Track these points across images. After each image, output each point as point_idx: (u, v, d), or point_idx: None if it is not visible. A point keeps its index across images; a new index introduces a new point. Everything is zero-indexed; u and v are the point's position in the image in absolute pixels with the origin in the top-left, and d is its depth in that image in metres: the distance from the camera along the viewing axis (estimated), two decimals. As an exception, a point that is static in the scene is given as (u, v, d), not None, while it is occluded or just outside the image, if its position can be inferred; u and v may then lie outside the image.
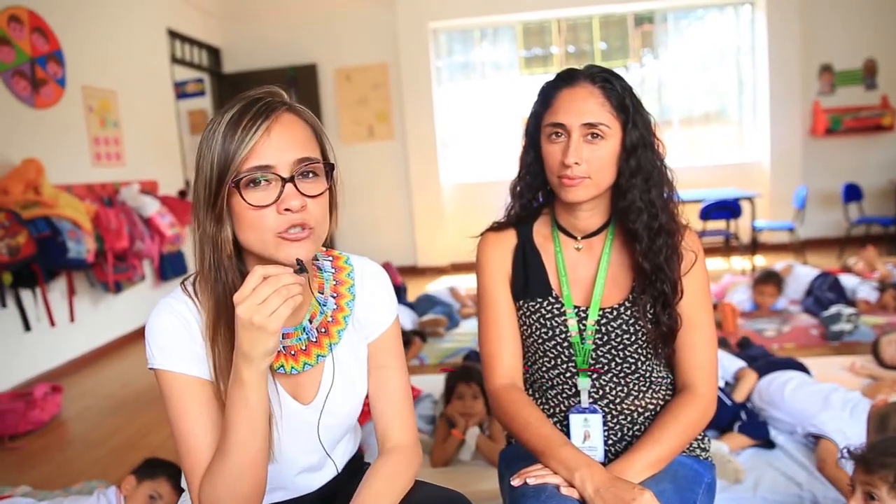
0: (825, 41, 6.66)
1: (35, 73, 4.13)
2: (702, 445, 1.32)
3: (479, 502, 1.21)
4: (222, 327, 0.96)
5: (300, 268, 0.92)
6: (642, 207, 1.25)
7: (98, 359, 4.53)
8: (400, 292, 4.94)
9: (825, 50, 6.69)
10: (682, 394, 1.28)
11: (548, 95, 1.28)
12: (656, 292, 1.26)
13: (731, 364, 2.76)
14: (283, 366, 1.04)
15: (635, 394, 1.29)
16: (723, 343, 3.23)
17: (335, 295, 1.11)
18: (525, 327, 1.33)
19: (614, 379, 1.29)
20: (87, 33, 4.71)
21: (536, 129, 1.31)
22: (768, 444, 2.33)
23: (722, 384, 2.62)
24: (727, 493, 2.04)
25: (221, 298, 0.96)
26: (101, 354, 4.59)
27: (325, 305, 1.09)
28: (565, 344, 1.29)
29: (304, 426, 1.07)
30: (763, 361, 2.79)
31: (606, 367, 1.29)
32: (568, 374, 1.30)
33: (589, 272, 1.32)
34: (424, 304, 4.65)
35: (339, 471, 1.16)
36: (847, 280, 4.39)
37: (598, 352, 1.28)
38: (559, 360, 1.30)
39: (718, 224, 5.84)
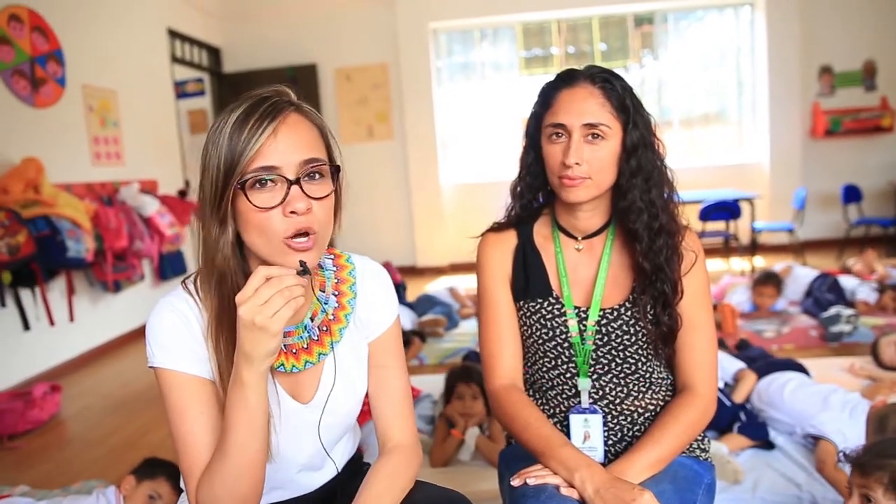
0: (825, 42, 6.67)
1: (35, 73, 4.13)
2: (702, 446, 1.33)
3: (478, 502, 1.21)
4: (225, 328, 0.96)
5: (303, 269, 0.91)
6: (643, 207, 1.25)
7: (97, 358, 4.53)
8: (399, 290, 4.95)
9: (825, 51, 6.70)
10: (682, 394, 1.28)
11: (548, 96, 1.28)
12: (656, 292, 1.26)
13: (730, 365, 2.76)
14: (283, 364, 1.04)
15: (635, 394, 1.29)
16: (722, 344, 3.23)
17: (336, 293, 1.11)
18: (525, 328, 1.33)
19: (614, 380, 1.29)
20: (87, 33, 4.71)
21: (537, 130, 1.31)
22: (767, 445, 2.33)
23: (721, 385, 2.62)
24: (726, 494, 2.04)
25: (224, 299, 0.96)
26: (100, 354, 4.59)
27: (326, 304, 1.09)
28: (565, 344, 1.29)
29: (303, 425, 1.06)
30: (762, 362, 2.79)
31: (607, 368, 1.29)
32: (568, 375, 1.30)
33: (589, 273, 1.32)
34: (424, 305, 4.65)
35: (339, 470, 1.16)
36: (846, 281, 4.40)
37: (599, 352, 1.28)
38: (559, 361, 1.30)
39: (718, 225, 5.85)
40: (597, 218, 1.32)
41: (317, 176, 0.95)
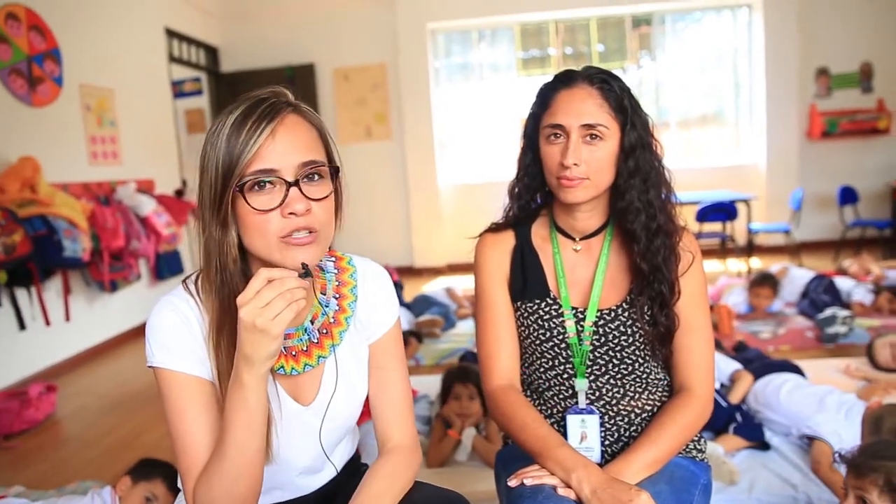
0: (822, 44, 6.69)
1: (32, 72, 4.12)
2: (698, 447, 1.33)
3: (475, 503, 1.21)
4: (225, 329, 0.96)
5: (305, 272, 0.91)
6: (640, 208, 1.25)
7: (93, 358, 4.52)
8: (396, 290, 4.94)
9: (822, 53, 6.72)
10: (679, 395, 1.28)
11: (546, 97, 1.28)
12: (654, 293, 1.26)
13: (726, 366, 2.77)
14: (283, 366, 1.04)
15: (631, 394, 1.29)
16: (718, 345, 3.24)
17: (337, 296, 1.11)
18: (523, 328, 1.33)
19: (611, 380, 1.29)
20: (85, 31, 4.70)
21: (535, 131, 1.31)
22: (763, 446, 2.34)
23: (717, 386, 2.62)
24: (722, 495, 2.04)
25: (225, 301, 0.95)
26: (96, 354, 4.58)
27: (327, 306, 1.08)
28: (563, 345, 1.29)
29: (303, 427, 1.06)
30: (758, 364, 2.79)
31: (604, 369, 1.29)
32: (565, 376, 1.30)
33: (587, 273, 1.32)
34: (421, 305, 4.65)
35: (338, 471, 1.16)
36: (842, 283, 4.41)
37: (596, 353, 1.28)
38: (557, 362, 1.30)
39: (715, 226, 5.86)
40: (595, 219, 1.32)
41: (315, 177, 0.94)
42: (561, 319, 1.30)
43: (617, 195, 1.28)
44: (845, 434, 2.15)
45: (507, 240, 1.37)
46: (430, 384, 3.03)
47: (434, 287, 5.60)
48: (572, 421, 1.28)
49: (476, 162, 7.21)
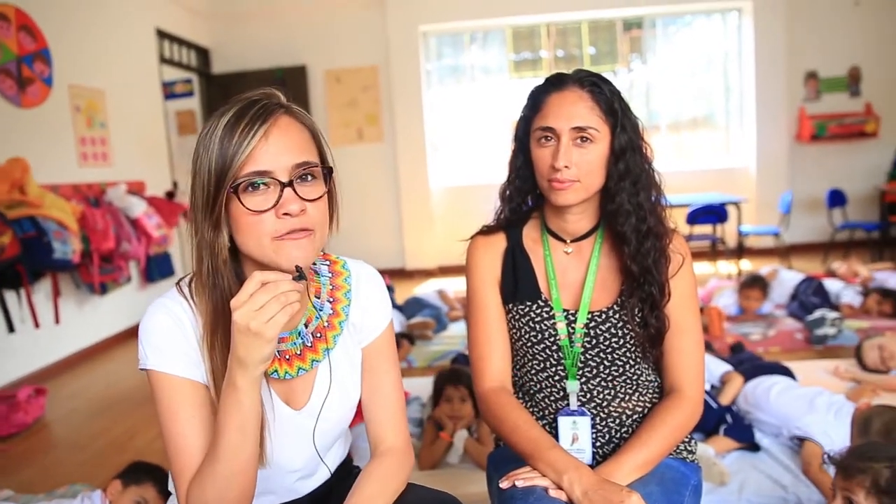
0: (811, 49, 6.74)
1: (21, 72, 4.10)
2: (688, 448, 1.34)
3: (467, 505, 1.21)
4: (219, 333, 0.96)
5: (299, 275, 0.91)
6: (630, 210, 1.26)
7: (83, 361, 4.49)
8: (388, 291, 4.93)
9: (811, 57, 6.77)
10: (669, 396, 1.29)
11: (537, 100, 1.29)
12: (644, 295, 1.27)
13: (717, 367, 2.78)
14: (276, 370, 1.04)
15: (622, 396, 1.30)
16: (708, 347, 3.26)
17: (331, 300, 1.11)
18: (514, 331, 1.34)
19: (602, 382, 1.30)
20: (75, 32, 4.68)
21: (526, 134, 1.31)
22: (753, 447, 2.35)
23: (708, 387, 2.64)
24: (713, 496, 2.05)
25: (219, 304, 0.95)
26: (86, 356, 4.55)
27: (321, 310, 1.08)
28: (554, 347, 1.30)
29: (296, 431, 1.06)
30: (749, 365, 2.81)
31: (595, 371, 1.29)
32: (556, 378, 1.31)
33: (578, 275, 1.33)
34: (413, 307, 4.65)
35: (331, 474, 1.16)
36: (831, 285, 4.44)
37: (587, 355, 1.29)
38: (548, 364, 1.31)
39: (705, 228, 5.89)
40: (585, 221, 1.33)
41: (309, 178, 0.94)
42: (552, 321, 1.30)
43: (607, 198, 1.28)
44: (835, 435, 2.17)
45: (499, 242, 1.38)
46: (422, 386, 3.03)
47: (426, 289, 5.60)
48: (564, 423, 1.29)
49: (468, 164, 7.21)
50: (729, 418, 2.40)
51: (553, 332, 1.30)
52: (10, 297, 3.82)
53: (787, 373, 2.70)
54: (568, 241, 1.34)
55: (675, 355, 1.30)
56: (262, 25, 6.94)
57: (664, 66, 7.07)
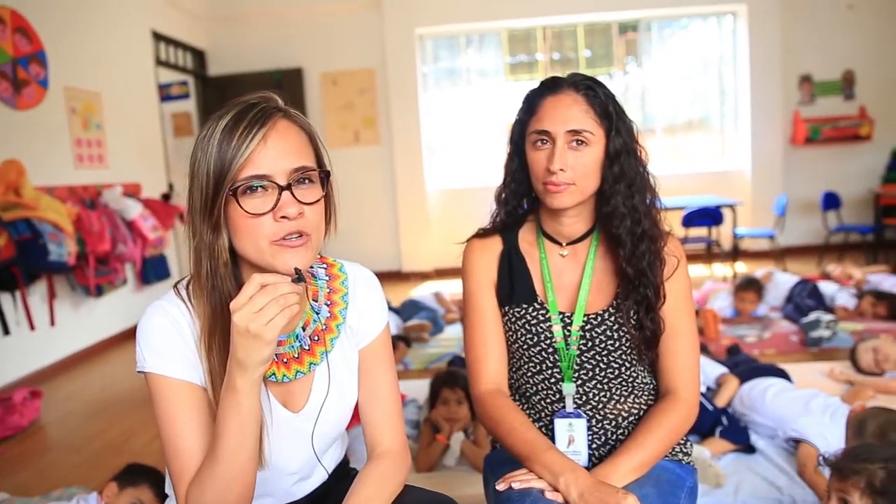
0: (805, 52, 6.78)
1: (17, 74, 4.09)
2: (684, 450, 1.34)
3: (463, 507, 1.22)
4: (217, 335, 0.96)
5: (298, 277, 0.91)
6: (625, 213, 1.27)
7: (78, 363, 4.48)
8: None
9: (805, 61, 6.81)
10: (665, 399, 1.29)
11: (532, 103, 1.29)
12: (639, 297, 1.27)
13: (712, 370, 2.79)
14: (274, 374, 1.04)
15: (617, 398, 1.31)
16: (704, 349, 3.27)
17: (329, 303, 1.11)
18: (510, 333, 1.34)
19: (598, 385, 1.30)
20: (71, 34, 4.67)
21: (521, 137, 1.32)
22: (749, 449, 2.36)
23: (704, 390, 2.65)
24: (708, 498, 2.06)
25: (217, 306, 0.96)
26: (81, 359, 4.54)
27: (318, 313, 1.09)
28: (550, 350, 1.30)
29: (293, 434, 1.06)
30: (745, 367, 2.82)
31: (591, 374, 1.30)
32: (553, 380, 1.31)
33: (574, 278, 1.33)
34: (409, 310, 4.65)
35: (327, 477, 1.17)
36: (826, 287, 4.46)
37: (583, 357, 1.30)
38: (544, 366, 1.31)
39: (700, 231, 5.91)
40: (581, 224, 1.34)
41: (307, 181, 0.95)
42: (548, 324, 1.31)
43: (602, 200, 1.29)
44: (831, 436, 2.18)
45: (495, 245, 1.38)
46: (419, 388, 3.03)
47: (422, 291, 5.60)
48: (560, 425, 1.29)
49: (464, 166, 7.22)
50: (725, 420, 2.41)
51: (549, 335, 1.30)
52: (5, 299, 3.82)
53: (782, 375, 2.71)
54: (563, 243, 1.35)
55: (671, 358, 1.30)
56: (259, 28, 6.94)
57: (660, 69, 7.09)
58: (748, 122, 6.78)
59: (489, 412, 1.29)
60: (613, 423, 1.31)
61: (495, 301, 1.35)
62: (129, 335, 5.03)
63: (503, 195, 1.40)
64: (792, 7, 6.66)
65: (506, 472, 1.20)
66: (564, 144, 1.23)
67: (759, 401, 2.49)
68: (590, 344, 1.29)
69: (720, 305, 4.37)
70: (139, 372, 0.99)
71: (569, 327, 1.30)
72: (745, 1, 6.60)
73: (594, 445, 1.30)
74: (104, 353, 4.72)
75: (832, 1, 6.68)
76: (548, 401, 1.33)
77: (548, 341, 1.30)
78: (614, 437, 1.30)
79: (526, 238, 1.38)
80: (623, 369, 1.31)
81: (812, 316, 3.80)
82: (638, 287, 1.27)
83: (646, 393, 1.34)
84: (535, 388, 1.34)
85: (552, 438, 1.29)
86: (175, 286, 1.03)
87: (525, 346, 1.32)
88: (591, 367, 1.30)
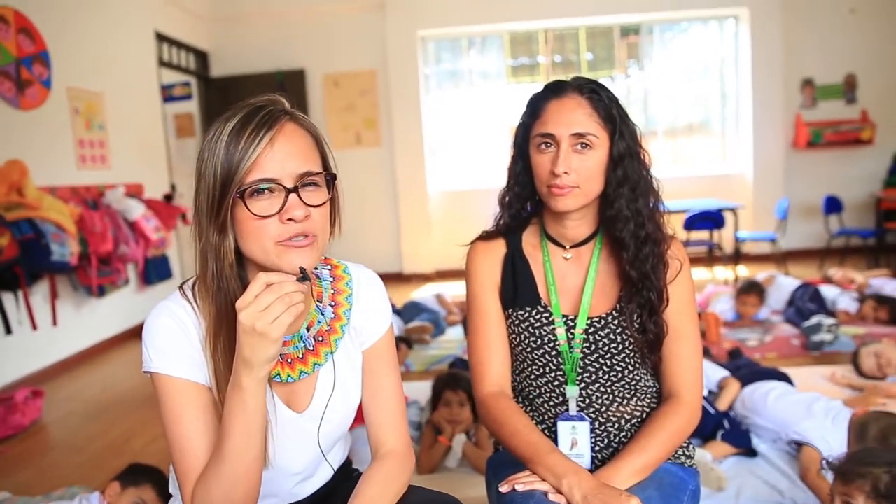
0: (807, 56, 6.78)
1: (20, 74, 4.10)
2: (686, 453, 1.34)
3: (466, 509, 1.22)
4: (223, 335, 0.96)
5: (303, 276, 0.92)
6: (629, 216, 1.27)
7: (80, 363, 4.48)
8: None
9: (807, 64, 6.81)
10: (667, 402, 1.29)
11: (536, 106, 1.30)
12: (643, 300, 1.27)
13: (714, 373, 2.79)
14: (278, 374, 1.05)
15: (620, 400, 1.31)
16: (706, 352, 3.27)
17: (333, 304, 1.12)
18: (514, 336, 1.34)
19: (601, 388, 1.31)
20: (74, 34, 4.68)
21: (525, 140, 1.32)
22: (750, 453, 2.36)
23: (705, 393, 2.65)
24: (710, 501, 2.06)
25: (223, 307, 0.96)
26: (83, 358, 4.54)
27: (323, 314, 1.09)
28: (553, 353, 1.30)
29: (297, 434, 1.07)
30: (746, 371, 2.82)
31: (594, 377, 1.30)
32: (556, 383, 1.32)
33: (577, 281, 1.34)
34: (411, 311, 4.65)
35: (330, 477, 1.17)
36: (827, 291, 4.46)
37: (586, 360, 1.30)
38: (547, 369, 1.32)
39: (702, 234, 5.91)
40: (584, 227, 1.34)
41: (313, 184, 0.96)
42: (552, 327, 1.31)
43: (606, 203, 1.29)
44: (833, 440, 2.18)
45: (499, 248, 1.38)
46: (420, 390, 3.03)
47: (424, 293, 5.61)
48: (563, 428, 1.30)
49: (465, 169, 7.23)
50: (726, 424, 2.41)
51: (552, 338, 1.31)
52: (7, 298, 3.82)
53: (784, 379, 2.71)
54: (567, 246, 1.35)
55: (674, 361, 1.31)
56: (261, 29, 6.95)
57: (661, 72, 7.10)
58: (750, 125, 6.78)
59: (492, 414, 1.29)
60: (616, 425, 1.31)
61: (499, 304, 1.36)
62: (131, 335, 5.04)
63: (507, 198, 1.40)
64: (794, 11, 6.67)
65: (509, 475, 1.21)
66: (569, 147, 1.23)
67: (760, 404, 2.49)
68: (593, 347, 1.30)
69: (722, 309, 4.37)
70: (145, 372, 1.00)
71: (572, 330, 1.30)
72: (747, 4, 6.61)
73: (597, 448, 1.31)
74: (106, 354, 4.72)
75: (834, 5, 6.69)
76: (551, 403, 1.33)
77: (551, 344, 1.30)
78: (617, 440, 1.31)
79: (529, 241, 1.39)
80: (626, 372, 1.31)
81: (814, 320, 3.80)
82: (641, 290, 1.27)
83: (648, 396, 1.34)
84: (538, 391, 1.34)
85: (555, 441, 1.29)
86: (181, 287, 1.03)
87: (528, 349, 1.32)
88: (594, 370, 1.30)
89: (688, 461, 1.33)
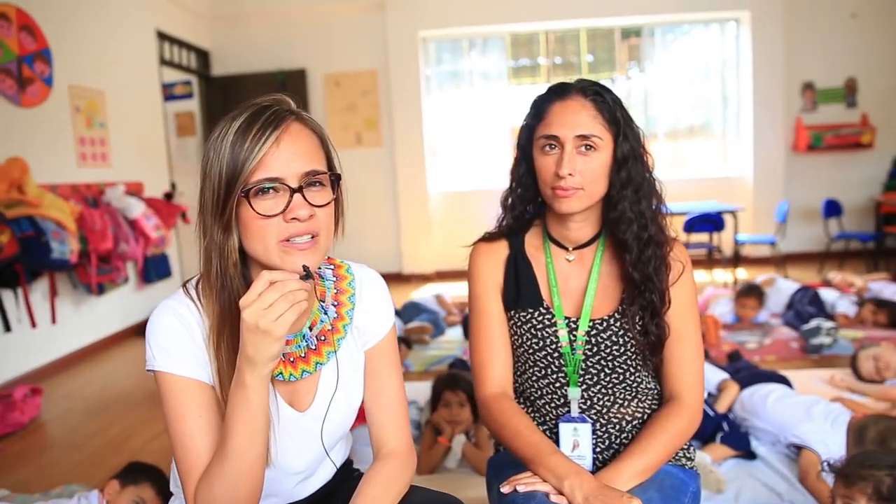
0: (808, 59, 6.79)
1: (22, 72, 4.10)
2: (687, 455, 1.35)
3: (467, 509, 1.22)
4: (226, 333, 0.97)
5: (306, 274, 0.92)
6: (632, 218, 1.27)
7: (79, 361, 4.48)
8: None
9: (807, 68, 6.82)
10: (669, 404, 1.30)
11: (540, 108, 1.30)
12: (645, 302, 1.28)
13: (713, 375, 2.79)
14: (281, 372, 1.05)
15: (621, 402, 1.31)
16: (705, 355, 3.27)
17: (336, 303, 1.12)
18: (516, 337, 1.35)
19: (603, 389, 1.31)
20: (76, 32, 4.68)
21: (529, 142, 1.32)
22: (750, 455, 2.36)
23: (705, 395, 2.65)
24: (709, 503, 2.06)
25: (226, 305, 0.96)
26: (82, 356, 4.54)
27: (326, 314, 1.10)
28: (556, 354, 1.30)
29: (299, 433, 1.07)
30: (746, 373, 2.83)
31: (596, 378, 1.30)
32: (558, 384, 1.32)
33: (580, 283, 1.34)
34: (410, 312, 4.66)
35: (331, 477, 1.17)
36: (827, 294, 4.47)
37: (588, 362, 1.30)
38: (549, 371, 1.32)
39: (702, 237, 5.92)
40: (587, 229, 1.34)
41: (318, 184, 0.96)
42: (554, 329, 1.31)
43: (609, 205, 1.30)
44: (832, 443, 2.18)
45: (501, 249, 1.39)
46: (420, 391, 3.03)
47: (423, 294, 5.61)
48: (565, 429, 1.30)
49: (466, 169, 7.23)
50: (725, 426, 2.41)
51: (555, 340, 1.31)
52: (7, 296, 3.82)
53: (783, 381, 2.72)
54: (570, 248, 1.35)
55: (675, 363, 1.31)
56: (262, 28, 6.95)
57: (662, 74, 7.11)
58: (750, 128, 6.79)
59: (494, 415, 1.29)
60: (617, 427, 1.31)
61: (501, 305, 1.36)
62: (130, 333, 5.04)
63: (510, 200, 1.40)
64: (795, 14, 6.68)
65: (510, 475, 1.21)
66: (573, 149, 1.24)
67: (760, 406, 2.50)
68: (595, 349, 1.30)
69: (721, 311, 4.37)
70: (149, 370, 1.00)
71: (574, 332, 1.31)
72: (749, 8, 6.62)
73: (598, 449, 1.31)
74: (105, 351, 4.72)
75: (835, 9, 6.70)
76: (552, 405, 1.33)
77: (553, 346, 1.31)
78: (618, 442, 1.31)
79: (532, 243, 1.39)
80: (628, 374, 1.31)
81: (813, 323, 3.80)
82: (644, 292, 1.28)
83: (650, 398, 1.34)
84: (539, 393, 1.34)
85: (556, 442, 1.29)
86: (184, 285, 1.04)
87: (530, 351, 1.32)
88: (595, 371, 1.30)
89: (688, 463, 1.34)
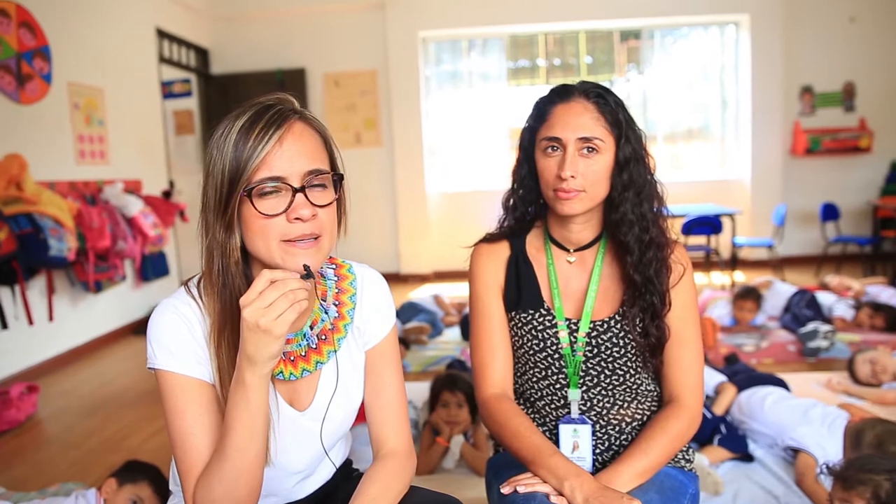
0: (806, 63, 6.81)
1: (21, 68, 4.09)
2: (686, 457, 1.35)
3: (466, 510, 1.22)
4: (227, 332, 0.97)
5: (307, 273, 0.92)
6: (634, 220, 1.28)
7: (76, 359, 4.47)
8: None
9: (806, 72, 6.84)
10: (668, 406, 1.30)
11: (543, 110, 1.30)
12: (646, 304, 1.28)
13: (711, 378, 2.80)
14: (281, 371, 1.05)
15: (621, 403, 1.31)
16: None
17: (337, 303, 1.12)
18: (517, 338, 1.35)
19: (603, 391, 1.31)
20: (76, 30, 4.67)
21: (531, 144, 1.33)
22: (747, 458, 2.37)
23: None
24: (707, 505, 2.07)
25: (227, 304, 0.96)
26: (79, 354, 4.53)
27: (327, 313, 1.09)
28: (556, 356, 1.31)
29: (299, 432, 1.07)
30: (743, 376, 2.83)
31: (596, 380, 1.31)
32: (558, 386, 1.32)
33: (581, 285, 1.34)
34: (408, 312, 4.65)
35: (331, 476, 1.17)
36: (824, 297, 4.48)
37: (588, 364, 1.30)
38: (550, 372, 1.32)
39: (699, 239, 5.93)
40: (589, 230, 1.34)
41: (320, 185, 0.96)
42: (554, 330, 1.31)
43: (611, 207, 1.30)
44: (829, 446, 2.19)
45: (502, 250, 1.39)
46: (417, 391, 3.03)
47: (421, 294, 5.61)
48: (565, 430, 1.30)
49: (464, 170, 7.23)
50: (723, 428, 2.42)
51: (555, 341, 1.31)
52: (4, 293, 3.81)
53: (780, 384, 2.72)
54: (571, 250, 1.36)
55: (675, 365, 1.31)
56: (262, 27, 6.95)
57: (661, 76, 7.11)
58: (749, 131, 6.81)
59: (494, 416, 1.29)
60: (617, 428, 1.31)
61: (502, 306, 1.36)
62: (128, 331, 5.03)
63: (511, 201, 1.40)
64: (794, 18, 6.69)
65: (510, 476, 1.21)
66: (575, 151, 1.24)
67: (757, 408, 2.50)
68: (595, 350, 1.30)
69: (719, 314, 4.38)
70: (149, 368, 1.00)
71: (575, 333, 1.31)
72: (748, 11, 6.63)
73: (598, 451, 1.31)
74: (102, 349, 4.71)
75: (834, 13, 6.71)
76: (552, 406, 1.33)
77: (554, 347, 1.31)
78: (618, 443, 1.31)
79: (533, 244, 1.39)
80: (628, 376, 1.31)
81: (810, 326, 3.81)
82: (644, 294, 1.28)
83: (649, 399, 1.34)
84: (540, 394, 1.35)
85: (556, 444, 1.29)
86: (185, 283, 1.04)
87: (531, 352, 1.33)
88: (596, 373, 1.31)
89: (688, 465, 1.34)
